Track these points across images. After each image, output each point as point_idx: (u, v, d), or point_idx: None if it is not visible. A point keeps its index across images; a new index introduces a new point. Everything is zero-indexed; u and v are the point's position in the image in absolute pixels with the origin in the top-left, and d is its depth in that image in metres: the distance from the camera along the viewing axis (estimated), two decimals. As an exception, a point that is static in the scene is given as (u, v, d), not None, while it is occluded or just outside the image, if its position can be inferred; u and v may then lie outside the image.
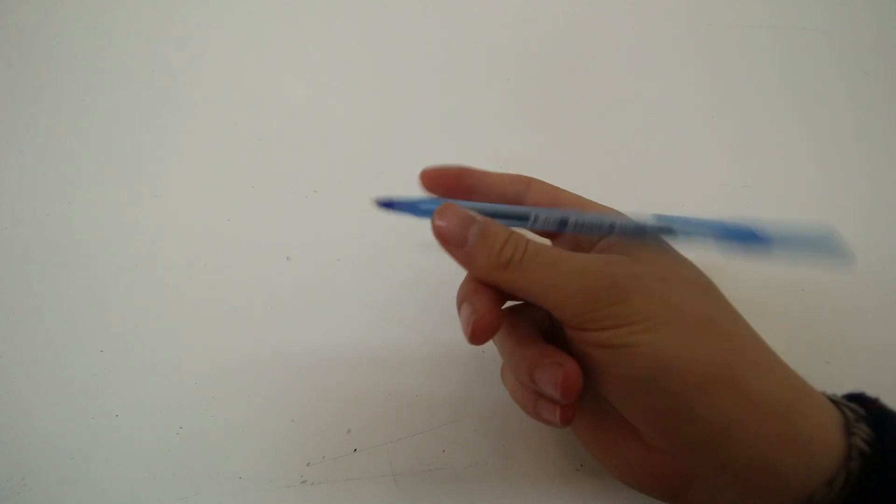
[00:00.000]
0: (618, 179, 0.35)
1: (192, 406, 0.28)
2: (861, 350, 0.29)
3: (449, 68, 0.42)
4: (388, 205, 0.23)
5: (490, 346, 0.29)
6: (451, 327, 0.30)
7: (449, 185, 0.24)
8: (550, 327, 0.24)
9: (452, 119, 0.39)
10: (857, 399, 0.20)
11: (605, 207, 0.23)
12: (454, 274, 0.32)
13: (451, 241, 0.20)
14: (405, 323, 0.30)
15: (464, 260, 0.20)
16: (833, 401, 0.20)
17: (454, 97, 0.41)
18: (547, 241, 0.24)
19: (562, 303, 0.19)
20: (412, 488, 0.26)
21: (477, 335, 0.20)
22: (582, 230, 0.22)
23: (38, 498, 0.26)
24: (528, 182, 0.24)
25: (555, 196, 0.23)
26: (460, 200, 0.22)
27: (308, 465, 0.26)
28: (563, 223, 0.21)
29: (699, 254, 0.22)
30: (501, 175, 0.24)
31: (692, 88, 0.41)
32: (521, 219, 0.22)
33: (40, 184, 0.36)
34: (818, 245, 0.20)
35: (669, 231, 0.21)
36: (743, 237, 0.20)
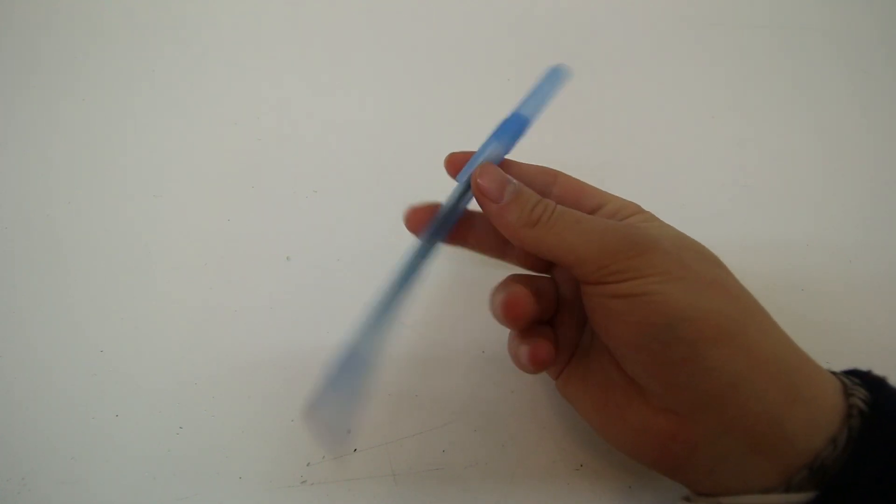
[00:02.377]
0: (618, 179, 0.35)
1: (192, 406, 0.28)
2: (861, 350, 0.29)
3: (449, 68, 0.42)
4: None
5: (490, 347, 0.29)
6: (451, 327, 0.30)
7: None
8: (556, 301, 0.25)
9: (452, 119, 0.39)
10: (852, 372, 0.21)
11: (626, 202, 0.24)
12: (454, 274, 0.32)
13: (489, 196, 0.22)
14: (405, 323, 0.30)
15: (497, 214, 0.22)
16: (833, 373, 0.21)
17: (454, 97, 0.41)
18: None
19: (584, 258, 0.20)
20: (412, 488, 0.26)
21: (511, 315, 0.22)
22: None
23: (38, 498, 0.26)
24: (556, 175, 0.25)
25: (580, 190, 0.25)
26: None
27: (308, 465, 0.26)
28: None
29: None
30: (531, 166, 0.25)
31: (692, 88, 0.41)
32: None
33: (40, 184, 0.36)
34: (554, 82, 0.24)
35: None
36: (518, 129, 0.24)
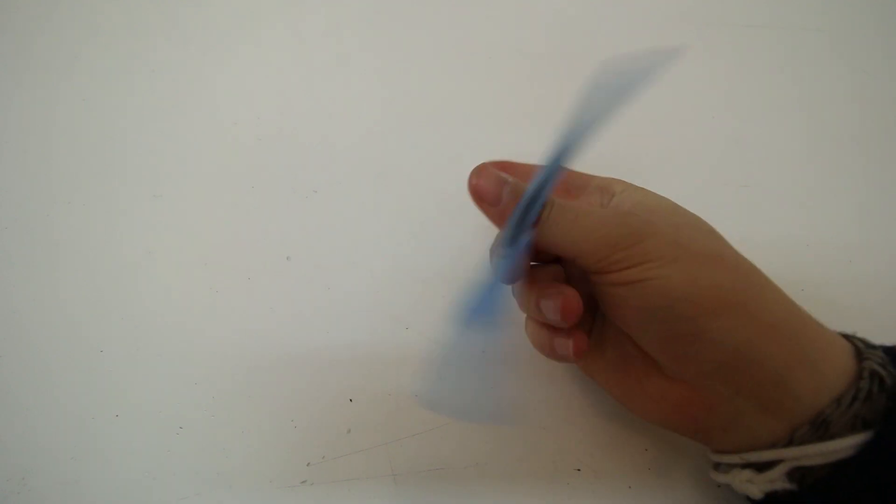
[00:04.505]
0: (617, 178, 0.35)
1: (192, 406, 0.28)
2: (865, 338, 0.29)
3: (449, 68, 0.42)
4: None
5: (490, 347, 0.29)
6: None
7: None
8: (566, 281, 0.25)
9: (452, 119, 0.39)
10: (888, 350, 0.21)
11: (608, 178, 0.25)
12: (454, 274, 0.32)
13: (486, 199, 0.22)
14: (405, 323, 0.30)
15: (497, 217, 0.22)
16: (845, 336, 0.21)
17: (454, 97, 0.41)
18: None
19: (586, 251, 0.21)
20: (412, 488, 0.26)
21: (567, 315, 0.22)
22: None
23: (38, 498, 0.26)
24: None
25: (587, 180, 0.26)
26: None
27: (308, 465, 0.26)
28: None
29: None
30: (536, 165, 0.25)
31: (692, 88, 0.41)
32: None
33: (40, 184, 0.36)
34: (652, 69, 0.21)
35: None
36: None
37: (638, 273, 0.20)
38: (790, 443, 0.19)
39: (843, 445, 0.18)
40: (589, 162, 0.36)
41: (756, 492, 0.20)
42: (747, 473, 0.21)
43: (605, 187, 0.25)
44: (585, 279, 0.24)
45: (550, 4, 0.46)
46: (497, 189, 0.22)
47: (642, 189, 0.25)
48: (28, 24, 0.45)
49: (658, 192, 0.25)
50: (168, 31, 0.44)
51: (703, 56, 0.43)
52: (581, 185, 0.26)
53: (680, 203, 0.25)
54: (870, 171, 0.37)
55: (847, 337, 0.21)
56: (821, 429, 0.19)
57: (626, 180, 0.27)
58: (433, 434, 0.27)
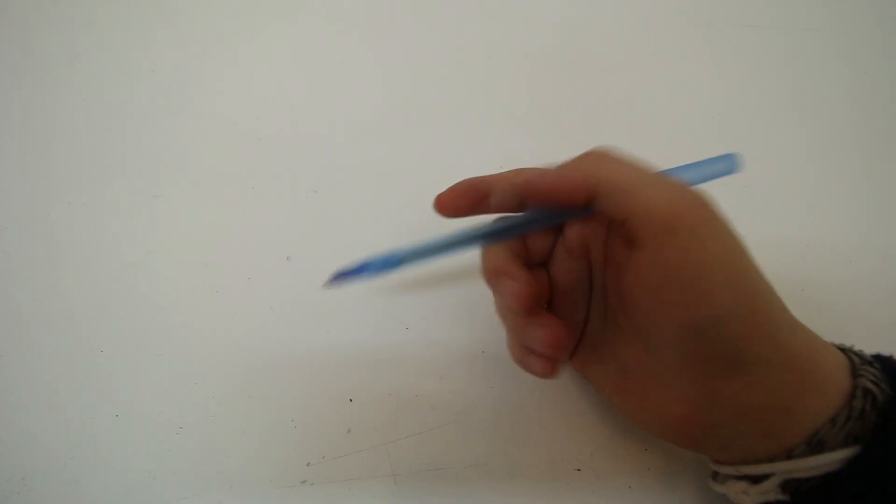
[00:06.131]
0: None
1: (192, 406, 0.28)
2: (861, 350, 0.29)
3: (449, 69, 0.42)
4: (342, 276, 0.24)
5: (490, 347, 0.29)
6: (451, 327, 0.30)
7: (468, 201, 0.24)
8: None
9: (452, 119, 0.39)
10: (877, 358, 0.21)
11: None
12: (454, 274, 0.32)
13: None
14: (405, 323, 0.30)
15: (556, 178, 0.22)
16: (842, 349, 0.21)
17: (454, 97, 0.41)
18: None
19: (652, 209, 0.20)
20: (412, 488, 0.26)
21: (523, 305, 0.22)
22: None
23: (38, 498, 0.26)
24: (518, 171, 0.25)
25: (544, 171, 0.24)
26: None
27: (308, 465, 0.26)
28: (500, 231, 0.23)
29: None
30: (505, 173, 0.25)
31: (692, 88, 0.41)
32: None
33: (40, 184, 0.36)
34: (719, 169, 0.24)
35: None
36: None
37: (704, 251, 0.19)
38: (789, 457, 0.19)
39: (832, 459, 0.19)
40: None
41: (750, 503, 0.21)
42: (742, 485, 0.21)
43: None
44: (578, 277, 0.24)
45: (551, 5, 0.46)
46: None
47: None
48: (28, 23, 0.45)
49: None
50: (168, 31, 0.44)
51: (704, 56, 0.43)
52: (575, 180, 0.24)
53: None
54: (870, 171, 0.37)
55: (843, 350, 0.21)
56: (816, 448, 0.19)
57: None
58: (433, 434, 0.27)
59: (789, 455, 0.19)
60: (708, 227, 0.19)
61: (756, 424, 0.20)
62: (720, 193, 0.36)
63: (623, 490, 0.25)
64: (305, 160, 0.37)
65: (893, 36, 0.44)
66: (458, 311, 0.31)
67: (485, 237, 0.24)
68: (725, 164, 0.23)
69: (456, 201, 0.24)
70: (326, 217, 0.34)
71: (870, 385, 0.19)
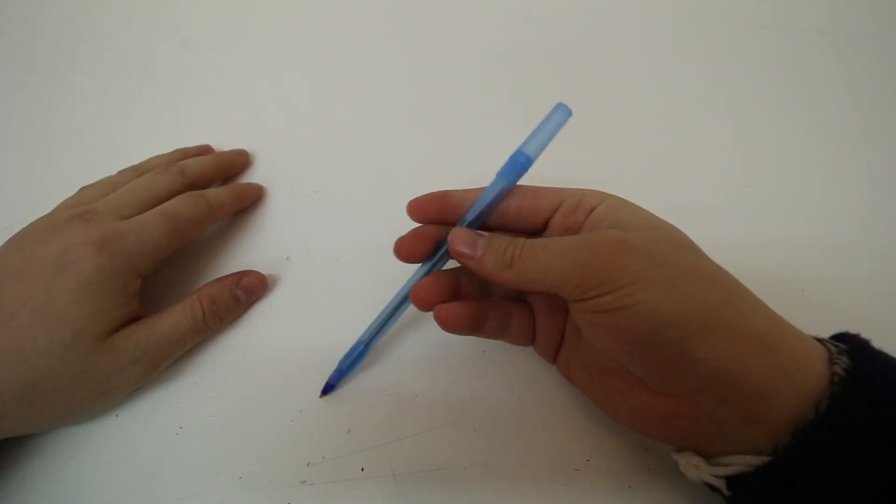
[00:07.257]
0: (617, 179, 0.35)
1: (192, 406, 0.28)
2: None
3: (449, 69, 0.42)
4: (331, 387, 0.28)
5: (490, 347, 0.29)
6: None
7: (435, 209, 0.26)
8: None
9: (451, 119, 0.39)
10: (842, 336, 0.22)
11: (585, 191, 0.25)
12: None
13: (465, 255, 0.24)
14: (405, 323, 0.30)
15: (477, 267, 0.23)
16: (819, 340, 0.22)
17: (454, 98, 0.41)
18: None
19: (560, 281, 0.21)
20: (412, 488, 0.26)
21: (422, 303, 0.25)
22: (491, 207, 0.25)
23: (38, 498, 0.26)
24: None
25: (535, 194, 0.26)
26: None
27: (308, 465, 0.26)
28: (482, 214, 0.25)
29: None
30: (476, 189, 0.26)
31: (692, 88, 0.41)
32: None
33: (40, 184, 0.36)
34: (558, 120, 0.24)
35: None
36: (522, 168, 0.25)
37: (617, 300, 0.20)
38: (776, 450, 0.20)
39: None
40: (588, 162, 0.36)
41: (695, 477, 0.22)
42: (696, 459, 0.22)
43: (579, 204, 0.25)
44: (555, 310, 0.25)
45: (552, 4, 0.46)
46: (472, 246, 0.23)
47: (616, 199, 0.24)
48: (28, 24, 0.45)
49: (657, 193, 0.25)
50: (168, 31, 0.44)
51: (704, 56, 0.43)
52: (551, 202, 0.25)
53: (680, 204, 0.25)
54: (870, 171, 0.37)
55: (821, 341, 0.22)
56: (802, 436, 0.19)
57: (623, 180, 0.27)
58: (433, 434, 0.27)
59: (776, 447, 0.20)
60: (619, 271, 0.21)
61: (736, 410, 0.20)
62: (720, 194, 0.36)
63: (623, 490, 0.25)
64: (305, 160, 0.37)
65: (894, 36, 0.44)
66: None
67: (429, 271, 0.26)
68: (561, 114, 0.24)
69: (422, 207, 0.26)
70: (326, 217, 0.34)
71: (842, 372, 0.20)
